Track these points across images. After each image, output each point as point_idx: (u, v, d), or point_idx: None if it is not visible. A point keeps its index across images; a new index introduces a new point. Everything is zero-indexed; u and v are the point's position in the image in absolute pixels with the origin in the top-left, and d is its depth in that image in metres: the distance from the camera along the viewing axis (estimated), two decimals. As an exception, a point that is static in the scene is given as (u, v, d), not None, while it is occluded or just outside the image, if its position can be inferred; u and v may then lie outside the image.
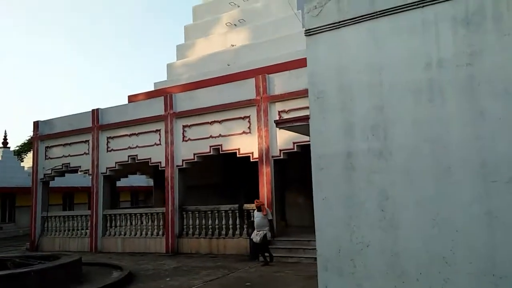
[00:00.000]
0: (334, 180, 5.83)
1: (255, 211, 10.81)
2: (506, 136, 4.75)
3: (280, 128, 6.74)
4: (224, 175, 15.43)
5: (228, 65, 16.50)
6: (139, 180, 28.64)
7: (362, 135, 5.67)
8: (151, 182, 30.84)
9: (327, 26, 6.20)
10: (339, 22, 6.11)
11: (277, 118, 11.52)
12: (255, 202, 10.91)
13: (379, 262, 5.46)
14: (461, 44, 5.00)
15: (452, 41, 5.08)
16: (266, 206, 10.99)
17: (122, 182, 21.60)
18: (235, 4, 18.20)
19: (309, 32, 6.35)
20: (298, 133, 7.61)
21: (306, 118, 6.24)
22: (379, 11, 5.73)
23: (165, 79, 18.51)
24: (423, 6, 5.33)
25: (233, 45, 17.12)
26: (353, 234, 5.64)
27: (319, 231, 5.92)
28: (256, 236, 10.39)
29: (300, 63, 12.83)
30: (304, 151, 11.34)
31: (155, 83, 18.37)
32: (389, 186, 5.41)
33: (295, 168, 12.02)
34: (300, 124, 6.29)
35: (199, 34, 18.51)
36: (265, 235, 10.34)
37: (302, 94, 11.13)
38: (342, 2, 6.14)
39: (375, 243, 5.48)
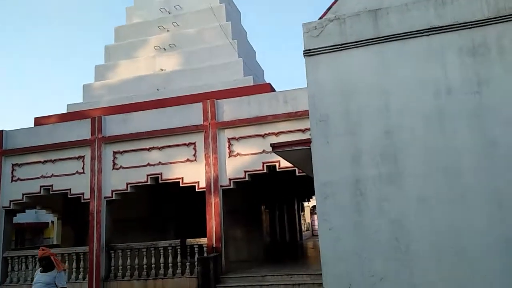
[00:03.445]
0: (341, 209, 5.49)
1: (38, 271, 6.42)
2: (517, 164, 4.95)
3: (276, 152, 6.24)
4: (158, 207, 14.05)
5: (158, 89, 15.52)
6: (27, 216, 24.58)
7: (371, 161, 5.46)
8: (42, 218, 27.08)
9: (328, 48, 6.04)
10: (342, 44, 6.01)
11: (227, 145, 10.99)
12: (40, 250, 6.40)
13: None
14: (469, 72, 5.21)
15: (459, 70, 5.27)
16: (221, 239, 10.12)
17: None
18: (164, 28, 17.45)
19: (308, 53, 6.10)
20: (287, 160, 7.16)
21: (307, 142, 5.86)
22: (384, 36, 5.76)
23: (80, 101, 16.62)
24: (429, 35, 5.49)
25: (162, 69, 16.21)
26: (365, 267, 5.30)
27: (326, 264, 5.46)
28: None
29: (244, 91, 12.63)
30: (252, 179, 10.90)
31: (68, 105, 16.36)
32: (402, 214, 5.24)
33: (230, 198, 11.36)
34: (300, 148, 5.88)
35: (123, 55, 17.20)
36: None
37: (254, 121, 10.87)
38: (344, 24, 6.07)
39: (391, 276, 5.20)
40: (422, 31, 5.47)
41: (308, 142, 5.80)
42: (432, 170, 5.21)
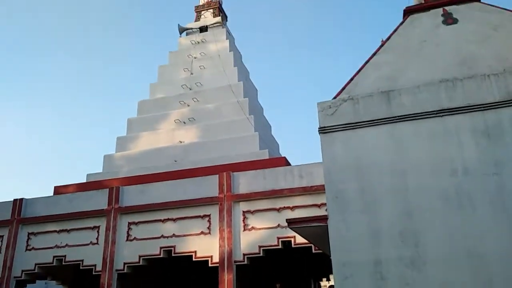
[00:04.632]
0: None
1: None
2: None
3: (292, 228, 6.19)
4: (168, 283, 13.64)
5: (175, 161, 15.87)
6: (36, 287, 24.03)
7: (390, 242, 5.29)
8: None
9: (343, 126, 6.23)
10: (356, 123, 6.20)
11: (242, 219, 10.91)
12: None
13: None
14: (485, 153, 5.24)
15: (475, 150, 5.30)
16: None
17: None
18: (184, 103, 18.30)
19: (323, 130, 6.30)
20: (303, 236, 7.04)
21: (324, 218, 5.81)
22: (397, 116, 5.94)
23: (100, 170, 17.04)
24: (442, 116, 5.64)
25: (181, 142, 16.72)
26: None
27: None
28: None
29: (259, 164, 12.82)
30: (267, 255, 10.62)
31: (88, 175, 16.72)
32: None
33: (243, 275, 10.95)
34: (317, 225, 5.82)
35: (144, 127, 17.92)
36: None
37: (269, 194, 10.89)
38: (358, 104, 6.32)
39: None
40: (434, 112, 5.63)
41: (324, 218, 5.75)
42: (455, 253, 5.02)
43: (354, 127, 6.04)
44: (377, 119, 5.92)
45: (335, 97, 6.70)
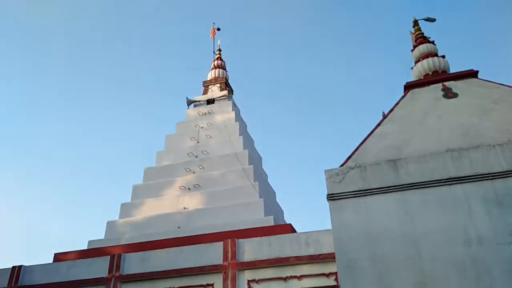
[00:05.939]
0: None
1: None
2: None
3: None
4: None
5: (179, 227, 15.69)
6: None
7: None
8: None
9: (352, 193, 6.35)
10: (365, 190, 6.33)
11: (246, 289, 10.54)
12: None
13: None
14: (498, 222, 5.27)
15: (487, 219, 5.32)
16: None
17: None
18: (190, 170, 18.50)
19: (332, 197, 6.40)
20: None
21: (335, 288, 5.68)
22: (405, 184, 6.07)
23: (102, 237, 16.76)
24: (450, 184, 5.76)
25: (185, 208, 16.65)
26: None
27: None
28: None
29: (264, 231, 12.66)
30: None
31: (89, 241, 16.43)
32: None
33: None
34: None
35: (149, 194, 17.95)
36: None
37: (274, 262, 10.64)
38: (365, 171, 6.49)
39: None
40: (442, 181, 5.76)
41: None
42: None
43: (363, 194, 6.15)
44: (385, 187, 6.05)
45: (342, 165, 6.89)
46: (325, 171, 6.52)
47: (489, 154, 5.54)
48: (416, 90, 8.36)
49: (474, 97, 7.02)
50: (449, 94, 7.36)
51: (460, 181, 5.64)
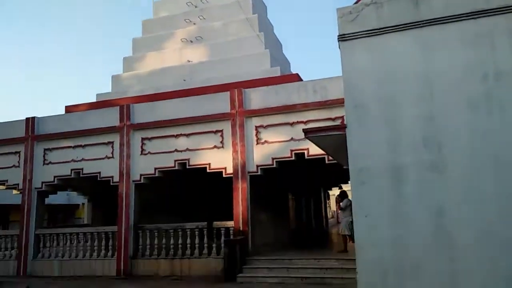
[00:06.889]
0: (378, 196, 5.34)
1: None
2: None
3: (308, 138, 6.29)
4: (185, 191, 14.23)
5: (184, 80, 15.73)
6: (59, 198, 25.34)
7: (411, 146, 5.28)
8: (73, 200, 27.80)
9: (365, 32, 5.97)
10: (380, 28, 5.93)
11: (254, 133, 11.08)
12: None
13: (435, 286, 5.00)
14: (519, 55, 5.08)
15: (509, 54, 5.12)
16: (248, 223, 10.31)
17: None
18: (190, 21, 17.67)
19: (343, 37, 6.05)
20: (319, 146, 7.14)
21: (341, 127, 5.82)
22: (426, 20, 5.70)
23: (109, 91, 16.98)
24: (476, 18, 5.39)
25: (189, 61, 16.42)
26: (402, 255, 5.15)
27: (361, 252, 5.33)
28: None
29: (271, 82, 12.68)
30: (280, 167, 10.94)
31: (97, 94, 16.73)
32: (445, 203, 5.04)
33: (257, 185, 11.41)
34: (334, 134, 5.88)
35: (150, 47, 17.50)
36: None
37: (282, 110, 10.93)
38: (382, 8, 6.01)
39: (428, 264, 5.02)
40: (467, 14, 5.36)
41: (342, 127, 5.73)
42: (480, 160, 4.95)
43: (378, 33, 5.79)
44: (403, 24, 5.65)
45: (356, 2, 6.41)
46: (338, 9, 6.05)
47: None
48: None
49: None
50: None
51: (487, 14, 5.25)
